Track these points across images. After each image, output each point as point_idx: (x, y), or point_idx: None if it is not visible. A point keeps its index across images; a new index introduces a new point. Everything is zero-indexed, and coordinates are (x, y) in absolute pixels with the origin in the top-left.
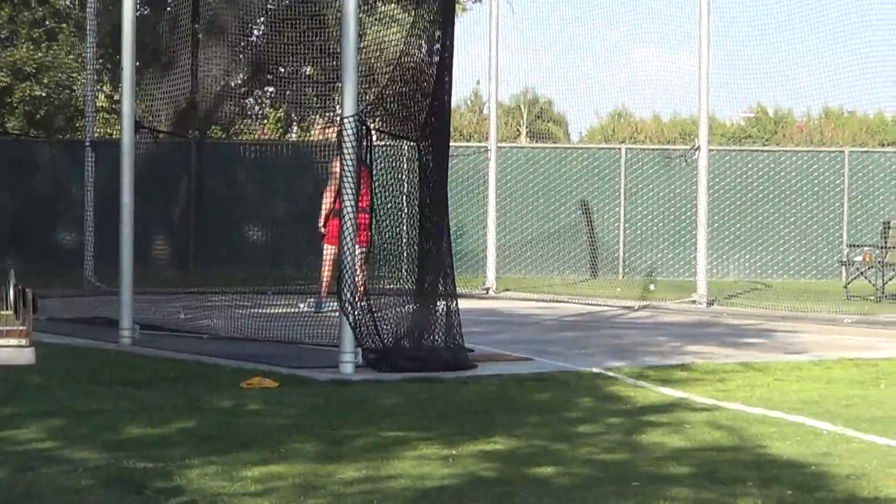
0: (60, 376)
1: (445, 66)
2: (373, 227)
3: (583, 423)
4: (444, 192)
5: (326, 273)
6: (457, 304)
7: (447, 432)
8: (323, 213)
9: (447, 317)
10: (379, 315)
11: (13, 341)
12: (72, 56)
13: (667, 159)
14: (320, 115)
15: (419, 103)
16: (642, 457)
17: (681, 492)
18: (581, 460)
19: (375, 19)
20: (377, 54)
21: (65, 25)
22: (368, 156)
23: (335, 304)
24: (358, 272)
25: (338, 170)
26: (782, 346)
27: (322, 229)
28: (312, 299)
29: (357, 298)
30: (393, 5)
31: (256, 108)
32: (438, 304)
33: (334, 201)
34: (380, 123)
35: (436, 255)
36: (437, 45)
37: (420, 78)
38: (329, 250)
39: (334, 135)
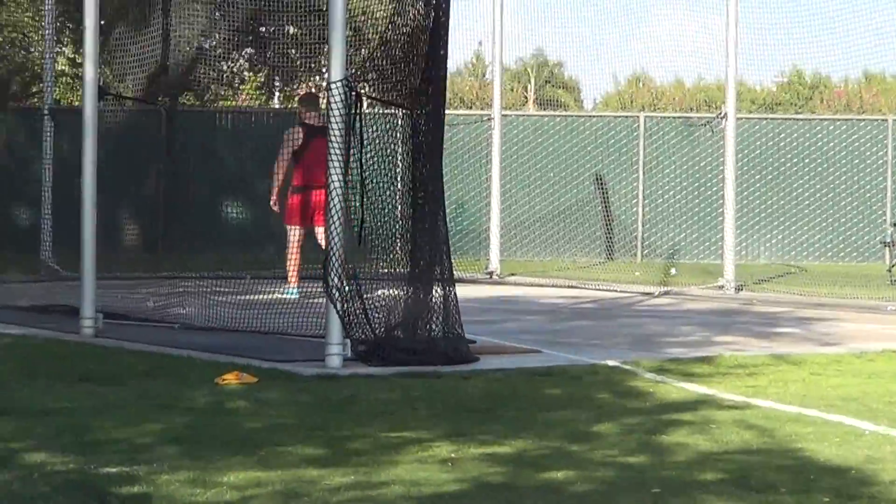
0: (15, 370)
1: (441, 25)
2: (362, 204)
3: (597, 422)
4: (440, 166)
5: (293, 259)
6: (455, 290)
7: (446, 433)
8: (274, 189)
9: (445, 304)
10: (369, 303)
11: None
12: (28, 13)
13: (690, 128)
14: (305, 81)
15: (413, 67)
16: (664, 460)
17: (707, 499)
18: (596, 464)
19: None
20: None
21: None
22: (358, 124)
23: (293, 292)
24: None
25: (288, 141)
26: (819, 337)
27: (275, 206)
28: (290, 288)
29: (345, 284)
30: None
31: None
32: (435, 290)
33: (287, 176)
34: (370, 89)
35: (431, 235)
36: (432, 1)
37: (414, 39)
38: (293, 232)
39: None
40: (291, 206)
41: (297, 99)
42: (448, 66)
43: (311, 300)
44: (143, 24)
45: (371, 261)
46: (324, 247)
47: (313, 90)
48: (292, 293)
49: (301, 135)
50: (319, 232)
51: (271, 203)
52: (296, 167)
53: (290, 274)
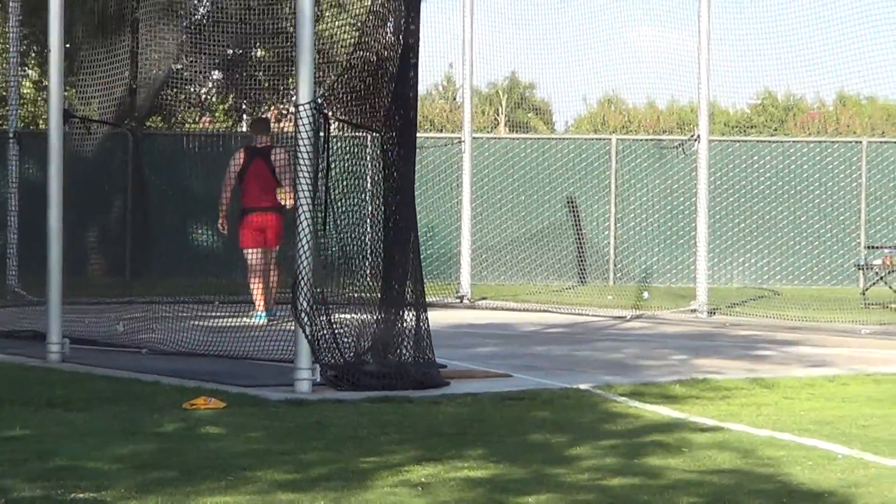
0: None
1: (410, 49)
2: (329, 227)
3: (571, 446)
4: (411, 189)
5: (255, 283)
6: (426, 314)
7: (417, 457)
8: (222, 211)
9: (415, 329)
10: (339, 327)
11: None
12: None
13: (662, 150)
14: (273, 105)
15: (382, 89)
16: (640, 483)
17: None
18: (571, 488)
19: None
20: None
21: None
22: (325, 147)
23: (262, 316)
24: (273, 278)
25: (233, 165)
26: (792, 361)
27: (222, 228)
28: (258, 313)
29: (313, 308)
30: None
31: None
32: (406, 314)
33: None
34: (339, 112)
35: (402, 259)
36: (402, 22)
37: (382, 61)
38: (249, 255)
39: (290, 127)
40: (242, 230)
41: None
42: (419, 89)
43: (280, 325)
44: (110, 46)
45: (340, 285)
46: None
47: (281, 114)
48: (261, 317)
49: (242, 158)
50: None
51: (220, 225)
52: (241, 190)
53: (256, 298)
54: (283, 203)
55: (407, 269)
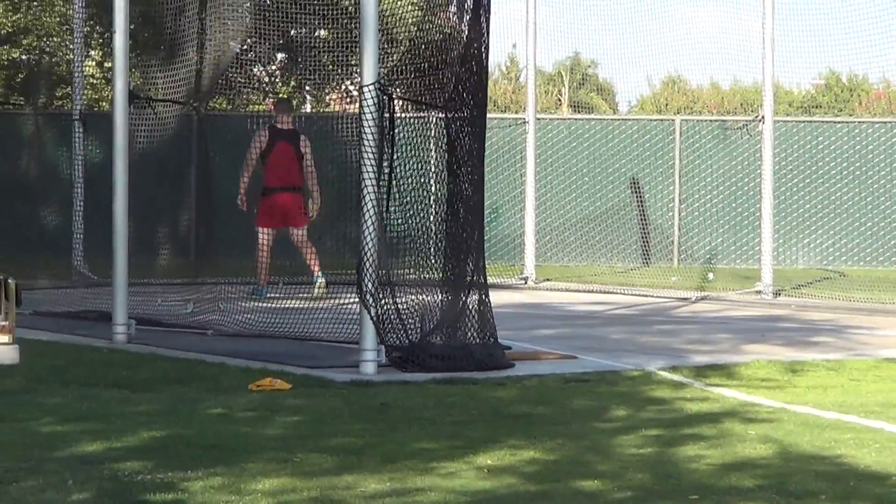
0: (47, 377)
1: (480, 25)
2: (393, 208)
3: (634, 428)
4: (480, 171)
5: (262, 260)
6: (489, 295)
7: (481, 440)
8: (241, 189)
9: (480, 310)
10: (404, 308)
11: None
12: (56, 18)
13: (727, 131)
14: (336, 86)
15: (448, 68)
16: (702, 466)
17: None
18: (633, 470)
19: None
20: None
21: None
22: (390, 128)
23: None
24: (310, 254)
25: (256, 144)
26: (858, 343)
27: (242, 205)
28: (262, 291)
29: (378, 289)
30: None
31: (265, 76)
32: (470, 295)
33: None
34: (403, 92)
35: (467, 241)
36: (471, 2)
37: (448, 40)
38: (262, 234)
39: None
40: (260, 209)
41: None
42: (489, 70)
43: (344, 305)
44: (174, 27)
45: (405, 266)
46: (299, 248)
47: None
48: (262, 293)
49: (266, 137)
50: (294, 233)
51: (239, 200)
52: (263, 169)
53: (260, 276)
54: (311, 214)
55: (472, 250)
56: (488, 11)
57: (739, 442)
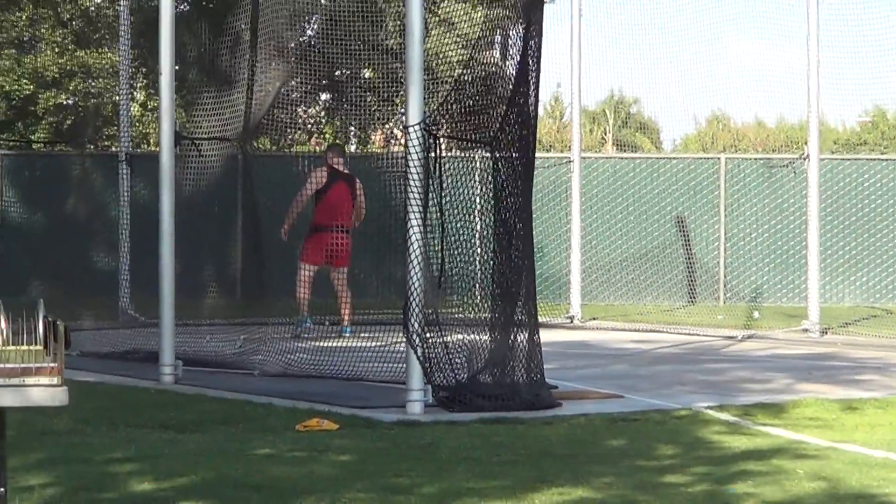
0: (94, 418)
1: (529, 66)
2: (440, 248)
3: (682, 468)
4: (528, 210)
5: (303, 294)
6: (538, 334)
7: (527, 479)
8: (287, 220)
9: (529, 349)
10: (451, 348)
11: (43, 380)
12: (103, 61)
13: (772, 170)
14: (380, 126)
15: (494, 107)
16: None
17: None
18: None
19: (440, 20)
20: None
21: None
22: (436, 167)
23: (305, 324)
24: (344, 296)
25: (313, 181)
26: None
27: (284, 236)
28: (303, 319)
29: (425, 329)
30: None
31: (311, 118)
32: (518, 334)
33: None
34: (449, 131)
35: (516, 279)
36: (519, 41)
37: (495, 79)
38: (305, 269)
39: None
40: (308, 245)
41: (325, 147)
42: (538, 110)
43: (390, 345)
44: (219, 68)
45: (452, 305)
46: (337, 288)
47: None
48: (303, 324)
49: (324, 176)
50: (336, 273)
51: (282, 232)
52: (316, 207)
53: (302, 310)
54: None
55: (520, 289)
56: (538, 52)
57: (788, 480)
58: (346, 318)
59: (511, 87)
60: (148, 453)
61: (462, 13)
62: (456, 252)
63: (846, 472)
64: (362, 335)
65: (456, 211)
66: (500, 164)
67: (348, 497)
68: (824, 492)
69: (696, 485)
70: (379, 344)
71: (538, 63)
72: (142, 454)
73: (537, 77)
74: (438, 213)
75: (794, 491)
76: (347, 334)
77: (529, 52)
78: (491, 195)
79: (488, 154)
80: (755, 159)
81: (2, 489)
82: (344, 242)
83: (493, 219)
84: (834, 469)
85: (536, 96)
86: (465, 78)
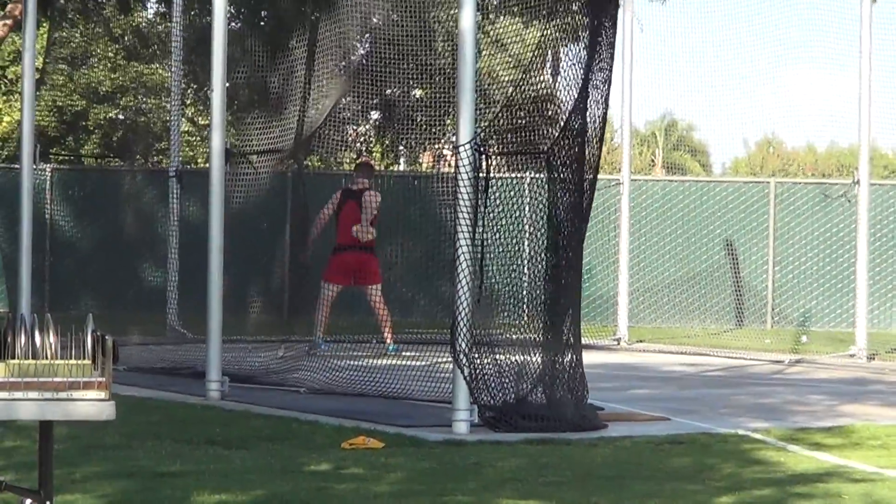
0: (140, 434)
1: (595, 84)
2: (489, 267)
3: (727, 491)
4: (580, 230)
5: (321, 314)
6: (581, 355)
7: (573, 500)
8: (309, 239)
9: (574, 370)
10: (497, 368)
11: (91, 394)
12: (154, 76)
13: (827, 198)
14: (429, 145)
15: (548, 128)
16: None
17: None
18: None
19: (492, 40)
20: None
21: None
22: (486, 187)
23: (320, 347)
24: (384, 318)
25: (330, 203)
26: None
27: (305, 257)
28: (318, 341)
29: (472, 349)
30: (517, 19)
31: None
32: (565, 356)
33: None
34: (499, 151)
35: (565, 301)
36: (581, 62)
37: (547, 100)
38: (329, 288)
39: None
40: (331, 264)
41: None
42: (603, 131)
43: (436, 364)
44: (270, 85)
45: (499, 325)
46: (375, 307)
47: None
48: (319, 344)
49: (338, 197)
50: (370, 292)
51: (304, 255)
52: (336, 228)
53: (318, 329)
54: (358, 236)
55: (567, 310)
56: (605, 72)
57: None
58: (389, 335)
59: (571, 107)
60: (194, 469)
61: (514, 34)
62: (503, 271)
63: (891, 501)
64: (406, 354)
65: (504, 230)
66: (554, 184)
67: None
68: None
69: None
70: (424, 363)
71: (607, 84)
72: (188, 470)
73: (605, 97)
74: (485, 232)
75: None
76: (392, 352)
77: (595, 69)
78: (543, 215)
79: (540, 174)
80: (805, 184)
81: (48, 502)
82: (364, 260)
83: (545, 239)
84: (881, 494)
85: (602, 118)
86: (517, 98)
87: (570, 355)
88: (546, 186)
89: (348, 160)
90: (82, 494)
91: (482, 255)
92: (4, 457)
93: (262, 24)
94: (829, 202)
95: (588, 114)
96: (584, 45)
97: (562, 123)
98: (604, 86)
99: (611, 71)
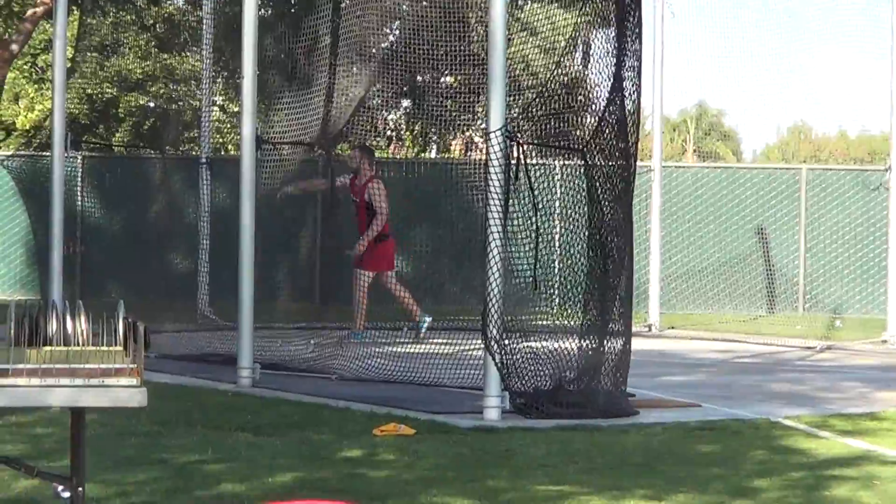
0: (172, 421)
1: (626, 71)
2: (521, 254)
3: (758, 476)
4: (625, 218)
5: (363, 300)
6: (629, 343)
7: (605, 487)
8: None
9: (619, 358)
10: (529, 355)
11: (123, 381)
12: (184, 65)
13: (868, 188)
14: (461, 132)
15: (582, 114)
16: None
17: None
18: None
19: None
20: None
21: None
22: (517, 174)
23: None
24: (405, 296)
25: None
26: None
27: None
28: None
29: (503, 336)
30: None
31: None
32: (611, 343)
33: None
34: (531, 138)
35: (610, 288)
36: (612, 49)
37: (585, 87)
38: (376, 277)
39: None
40: (379, 254)
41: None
42: (639, 116)
43: (467, 350)
44: (300, 73)
45: (540, 313)
46: (395, 289)
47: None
48: (360, 337)
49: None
50: (383, 280)
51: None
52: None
53: (359, 317)
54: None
55: (616, 297)
56: (635, 57)
57: (866, 491)
58: (417, 311)
59: (605, 94)
60: (226, 456)
61: (544, 18)
62: (540, 259)
63: None
64: (437, 341)
65: (540, 218)
66: (592, 170)
67: (426, 501)
68: None
69: (780, 492)
70: (456, 350)
71: (638, 70)
72: (219, 456)
73: (638, 83)
74: (526, 220)
75: (888, 494)
76: (426, 323)
77: (626, 55)
78: (583, 202)
79: (575, 160)
80: (837, 170)
81: (80, 488)
82: (370, 247)
83: (586, 227)
84: None
85: (637, 102)
86: (550, 84)
87: (617, 342)
88: (584, 174)
89: (380, 147)
90: (114, 480)
91: (520, 242)
92: (36, 443)
93: (291, 10)
94: (860, 189)
95: (622, 101)
96: (612, 32)
97: (596, 111)
98: (634, 73)
99: (640, 59)
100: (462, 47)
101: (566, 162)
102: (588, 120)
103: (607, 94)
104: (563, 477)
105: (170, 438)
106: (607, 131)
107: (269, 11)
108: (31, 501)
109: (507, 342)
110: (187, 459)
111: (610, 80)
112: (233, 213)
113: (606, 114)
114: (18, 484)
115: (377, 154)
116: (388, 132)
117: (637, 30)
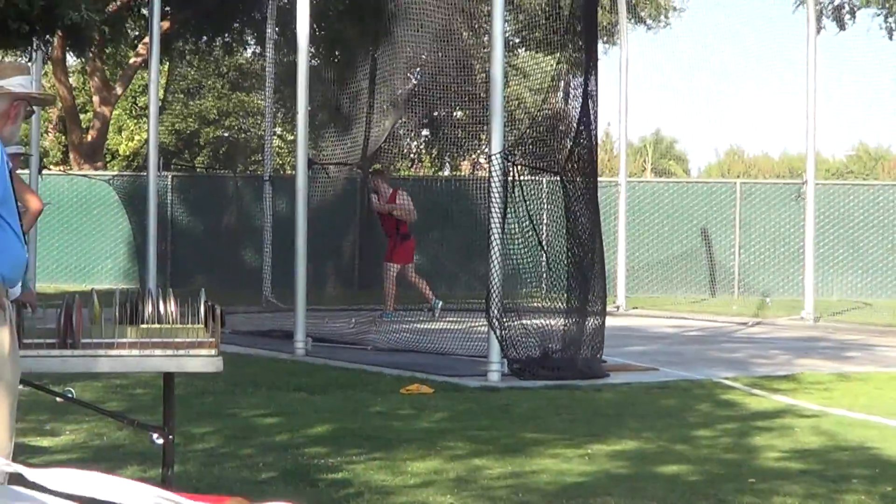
0: (243, 382)
1: (589, 106)
2: (516, 250)
3: (703, 426)
4: (590, 220)
5: (392, 286)
6: (604, 321)
7: (583, 433)
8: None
9: (595, 332)
10: (524, 331)
11: (203, 351)
12: (252, 103)
13: (797, 198)
14: (469, 155)
15: (562, 141)
16: (757, 457)
17: (793, 488)
18: (702, 459)
19: (515, 68)
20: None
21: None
22: (514, 188)
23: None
24: (422, 284)
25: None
26: (882, 359)
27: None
28: (387, 313)
29: (502, 314)
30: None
31: (413, 147)
32: (589, 320)
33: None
34: (524, 159)
35: (585, 277)
36: (580, 87)
37: (561, 119)
38: (396, 269)
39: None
40: (404, 250)
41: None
42: (596, 143)
43: (474, 327)
44: (344, 110)
45: (523, 296)
46: (414, 279)
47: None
48: (390, 316)
49: (385, 190)
50: (403, 271)
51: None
52: (391, 221)
53: (389, 302)
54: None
55: (592, 284)
56: (595, 98)
57: (787, 437)
58: (431, 295)
59: (576, 125)
60: (284, 410)
61: (534, 64)
62: (527, 254)
63: (834, 431)
64: (451, 319)
65: (529, 223)
66: (567, 185)
67: (441, 445)
68: (825, 444)
69: (720, 438)
70: (466, 326)
71: (596, 105)
72: (279, 411)
73: (596, 116)
74: (520, 224)
75: (803, 441)
76: (439, 307)
77: (589, 98)
78: (563, 210)
79: (557, 178)
80: (763, 184)
81: (171, 436)
82: (396, 244)
83: (566, 229)
84: (824, 429)
85: (596, 133)
86: (537, 117)
87: (594, 320)
88: (562, 187)
89: (404, 168)
90: (196, 429)
91: (515, 243)
92: (135, 401)
93: (335, 61)
94: (784, 199)
95: (589, 131)
96: (581, 78)
97: (571, 138)
98: (594, 111)
99: (597, 101)
100: (469, 88)
101: (551, 178)
102: (567, 145)
103: (576, 126)
104: (550, 425)
105: (240, 397)
106: (578, 154)
107: (319, 61)
108: (132, 446)
109: (505, 320)
110: (253, 413)
111: (579, 114)
112: (290, 220)
113: (578, 141)
114: (122, 433)
115: (403, 173)
116: (412, 155)
117: (595, 78)
